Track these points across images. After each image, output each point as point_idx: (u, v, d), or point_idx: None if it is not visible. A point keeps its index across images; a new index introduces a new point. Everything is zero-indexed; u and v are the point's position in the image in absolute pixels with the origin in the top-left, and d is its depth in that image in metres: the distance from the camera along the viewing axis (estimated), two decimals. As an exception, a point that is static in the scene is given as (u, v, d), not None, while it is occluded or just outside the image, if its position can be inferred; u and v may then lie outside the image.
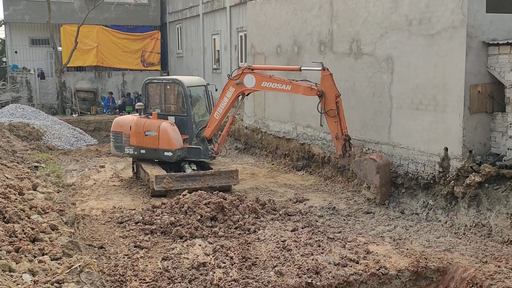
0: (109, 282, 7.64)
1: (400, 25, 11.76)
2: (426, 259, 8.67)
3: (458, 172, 10.42)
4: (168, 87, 14.43)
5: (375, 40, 12.56)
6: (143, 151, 14.00)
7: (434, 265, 8.51)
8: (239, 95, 13.48)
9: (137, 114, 14.49)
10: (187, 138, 14.03)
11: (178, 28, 30.57)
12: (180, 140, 13.72)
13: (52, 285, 5.44)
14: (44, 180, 11.96)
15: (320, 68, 12.20)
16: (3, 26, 32.16)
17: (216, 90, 15.97)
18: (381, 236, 9.87)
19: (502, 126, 10.26)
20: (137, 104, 14.83)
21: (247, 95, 13.80)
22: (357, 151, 12.29)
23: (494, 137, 10.44)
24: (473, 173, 10.11)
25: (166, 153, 13.65)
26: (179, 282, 7.79)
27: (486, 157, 10.39)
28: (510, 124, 10.04)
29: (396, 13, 11.85)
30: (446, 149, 10.72)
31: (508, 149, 10.10)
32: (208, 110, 14.67)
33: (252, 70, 13.26)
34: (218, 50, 24.80)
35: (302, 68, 13.17)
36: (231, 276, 7.97)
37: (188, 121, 14.00)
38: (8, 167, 11.72)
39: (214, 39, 25.31)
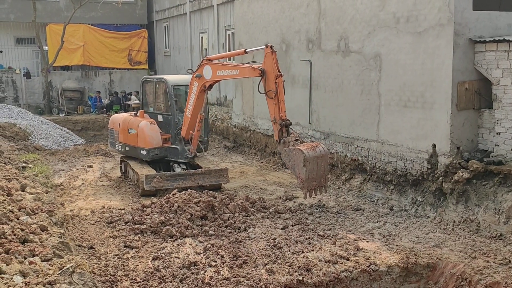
0: (100, 282, 7.60)
1: (388, 23, 11.81)
2: (416, 255, 8.74)
3: (446, 168, 10.51)
4: (158, 86, 14.43)
5: (363, 37, 12.61)
6: (127, 148, 14.34)
7: (423, 261, 8.59)
8: (202, 89, 12.92)
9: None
10: (170, 137, 13.99)
11: (165, 26, 30.44)
12: (158, 139, 13.70)
13: (44, 286, 5.39)
14: (32, 181, 11.83)
15: (263, 47, 11.60)
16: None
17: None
18: (371, 233, 9.93)
19: (489, 122, 10.36)
20: (134, 102, 14.97)
21: (209, 87, 13.01)
22: (292, 139, 11.20)
23: (482, 133, 10.54)
24: (461, 169, 10.20)
25: (142, 152, 13.79)
26: (170, 282, 7.78)
27: (473, 154, 10.48)
28: (497, 120, 10.15)
29: (384, 11, 11.91)
30: (434, 145, 10.80)
31: (496, 145, 10.20)
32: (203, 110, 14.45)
33: (210, 61, 12.80)
34: (206, 49, 24.75)
35: (247, 50, 12.66)
36: (222, 275, 7.97)
37: (172, 120, 13.95)
38: (-5, 168, 11.59)
39: (202, 37, 25.25)
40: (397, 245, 9.20)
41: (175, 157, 13.88)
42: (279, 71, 11.26)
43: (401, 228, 10.21)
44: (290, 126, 11.43)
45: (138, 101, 14.81)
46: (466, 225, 9.95)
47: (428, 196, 11.07)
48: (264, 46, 11.49)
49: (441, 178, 10.64)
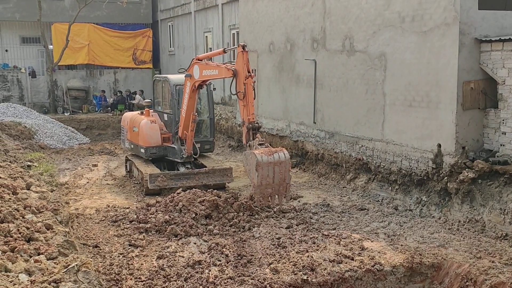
0: (104, 281, 7.61)
1: (393, 22, 11.78)
2: (421, 255, 8.72)
3: (452, 168, 10.48)
4: (163, 85, 14.53)
5: (368, 37, 12.59)
6: (132, 146, 14.52)
7: (428, 261, 8.56)
8: (193, 89, 12.72)
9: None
10: (171, 136, 13.96)
11: (169, 25, 30.46)
12: (157, 138, 13.78)
13: (49, 284, 5.42)
14: (38, 179, 11.90)
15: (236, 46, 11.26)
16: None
17: (214, 89, 15.82)
18: (376, 233, 9.91)
19: (495, 122, 10.32)
20: (145, 100, 15.33)
21: (198, 87, 12.79)
22: (255, 143, 10.61)
23: (487, 133, 10.50)
24: (466, 169, 10.17)
25: (141, 150, 13.93)
26: (175, 281, 7.77)
27: (479, 153, 10.45)
28: (503, 120, 10.11)
29: (389, 10, 11.88)
30: (439, 145, 10.77)
31: (501, 145, 10.16)
32: (208, 109, 14.35)
33: (200, 60, 12.63)
34: (211, 48, 24.75)
35: (225, 49, 12.53)
36: (227, 274, 7.97)
37: (173, 119, 13.87)
38: (0, 167, 11.64)
39: (206, 36, 25.25)
40: (402, 245, 9.17)
41: (173, 157, 13.89)
42: (249, 72, 10.82)
43: (406, 228, 10.18)
44: (260, 130, 10.98)
45: (149, 100, 15.08)
46: (471, 225, 9.92)
47: (433, 196, 11.04)
48: (237, 46, 11.14)
49: (446, 178, 10.62)
